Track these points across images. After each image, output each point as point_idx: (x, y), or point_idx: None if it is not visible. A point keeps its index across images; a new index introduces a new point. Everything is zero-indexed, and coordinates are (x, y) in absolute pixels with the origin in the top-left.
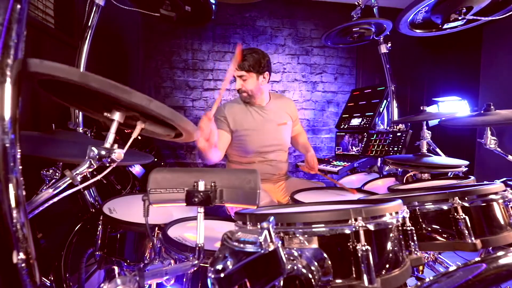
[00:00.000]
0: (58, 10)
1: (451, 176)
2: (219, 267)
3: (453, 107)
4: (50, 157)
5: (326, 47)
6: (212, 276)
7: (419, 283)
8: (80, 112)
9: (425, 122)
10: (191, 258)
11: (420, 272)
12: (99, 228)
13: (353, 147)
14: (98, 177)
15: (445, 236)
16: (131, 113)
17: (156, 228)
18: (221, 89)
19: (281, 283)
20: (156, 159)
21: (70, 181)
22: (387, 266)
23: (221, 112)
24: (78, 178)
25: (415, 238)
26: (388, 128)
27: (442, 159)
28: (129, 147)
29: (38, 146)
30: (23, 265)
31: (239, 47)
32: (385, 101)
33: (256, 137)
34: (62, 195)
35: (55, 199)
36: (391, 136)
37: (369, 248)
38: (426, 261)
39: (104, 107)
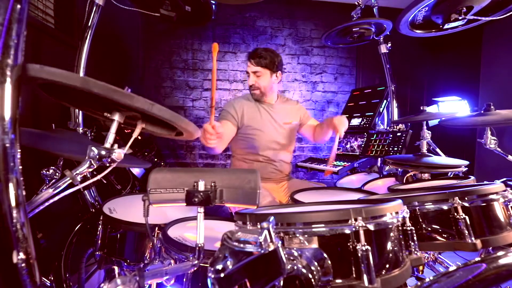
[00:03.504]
0: (58, 10)
1: (451, 176)
2: (219, 267)
3: (453, 107)
4: (51, 151)
5: (326, 47)
6: (212, 276)
7: (419, 283)
8: (80, 112)
9: (425, 122)
10: (191, 258)
11: (420, 272)
12: (99, 228)
13: (353, 147)
14: (98, 177)
15: (445, 236)
16: (131, 113)
17: (156, 228)
18: (212, 88)
19: (281, 283)
20: (156, 159)
21: (70, 181)
22: (387, 266)
23: (230, 106)
24: (78, 178)
25: (415, 238)
26: (388, 128)
27: (442, 159)
28: (129, 147)
29: (39, 140)
30: (23, 265)
31: (216, 45)
32: (385, 101)
33: (262, 135)
34: (63, 194)
35: (55, 198)
36: (391, 136)
37: (369, 248)
38: (426, 261)
39: (104, 108)
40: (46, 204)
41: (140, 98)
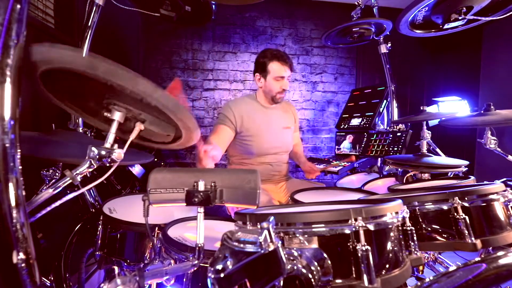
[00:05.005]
0: (58, 10)
1: (451, 176)
2: (219, 267)
3: (453, 107)
4: (50, 157)
5: (326, 47)
6: (212, 276)
7: (419, 283)
8: None
9: (425, 122)
10: (191, 258)
11: (420, 272)
12: (99, 228)
13: (354, 147)
14: (101, 179)
15: (445, 236)
16: (130, 112)
17: (156, 228)
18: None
19: (281, 283)
20: (156, 159)
21: (70, 181)
22: (387, 266)
23: (229, 109)
24: (78, 178)
25: (415, 238)
26: (388, 128)
27: (442, 159)
28: (129, 148)
29: (38, 147)
30: (23, 265)
31: (178, 82)
32: (385, 101)
33: (261, 140)
34: (65, 199)
35: (58, 203)
36: (391, 136)
37: (369, 248)
38: (426, 261)
39: (104, 107)
40: (49, 208)
41: (144, 80)
